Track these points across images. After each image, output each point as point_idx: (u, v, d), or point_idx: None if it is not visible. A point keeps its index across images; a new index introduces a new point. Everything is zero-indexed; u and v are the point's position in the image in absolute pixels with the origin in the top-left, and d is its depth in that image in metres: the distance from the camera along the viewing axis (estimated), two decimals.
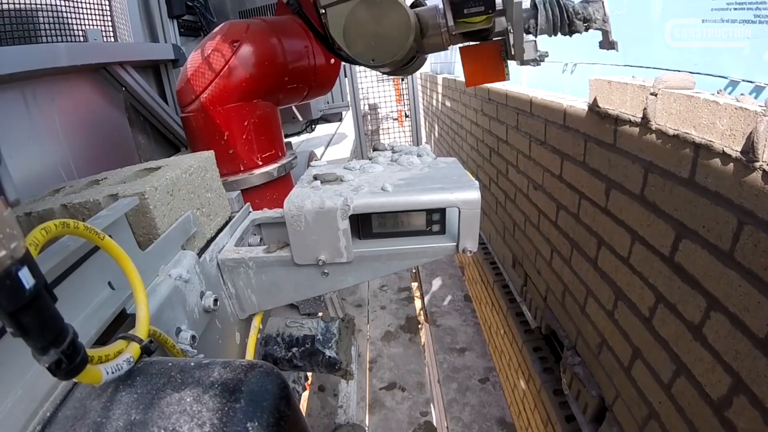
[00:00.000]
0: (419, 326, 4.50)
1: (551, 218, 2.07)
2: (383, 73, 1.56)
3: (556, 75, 2.39)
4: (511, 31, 1.13)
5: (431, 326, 4.13)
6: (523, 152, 2.40)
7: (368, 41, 1.19)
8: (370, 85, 7.60)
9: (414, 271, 5.51)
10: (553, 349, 2.40)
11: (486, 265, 3.42)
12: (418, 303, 5.01)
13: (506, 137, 2.69)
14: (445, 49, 1.33)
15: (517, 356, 2.67)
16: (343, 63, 2.12)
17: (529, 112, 2.20)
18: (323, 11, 1.19)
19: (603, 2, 1.14)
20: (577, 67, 2.17)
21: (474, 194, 0.85)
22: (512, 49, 1.16)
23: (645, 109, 1.23)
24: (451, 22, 1.15)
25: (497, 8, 1.13)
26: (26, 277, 0.36)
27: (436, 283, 4.76)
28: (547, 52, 1.20)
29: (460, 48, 1.33)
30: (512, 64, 1.28)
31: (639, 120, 1.26)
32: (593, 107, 1.53)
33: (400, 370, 3.81)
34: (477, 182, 0.89)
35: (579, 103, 1.72)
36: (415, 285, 5.43)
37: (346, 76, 4.32)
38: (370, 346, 4.13)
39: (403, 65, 1.39)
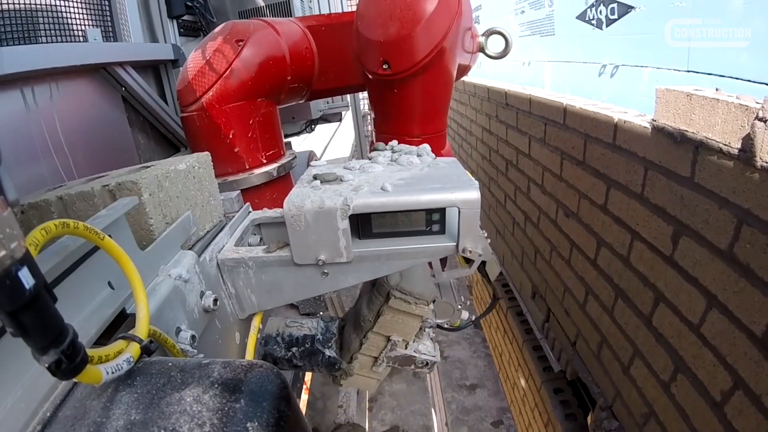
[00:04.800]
0: None
1: (590, 257, 1.74)
2: None
3: (591, 78, 1.91)
4: None
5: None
6: (551, 170, 2.01)
7: None
8: None
9: None
10: (575, 390, 2.12)
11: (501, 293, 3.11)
12: None
13: (528, 150, 2.29)
14: None
15: (534, 395, 2.43)
16: None
17: (562, 124, 1.84)
18: None
19: None
20: (620, 70, 1.74)
21: (473, 194, 0.85)
22: None
23: (748, 138, 0.93)
24: None
25: None
26: (26, 277, 0.36)
27: None
28: None
29: None
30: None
31: (735, 152, 0.97)
32: (661, 126, 1.21)
33: (404, 411, 3.44)
34: (476, 182, 0.89)
35: (633, 118, 1.36)
36: None
37: None
38: None
39: None
